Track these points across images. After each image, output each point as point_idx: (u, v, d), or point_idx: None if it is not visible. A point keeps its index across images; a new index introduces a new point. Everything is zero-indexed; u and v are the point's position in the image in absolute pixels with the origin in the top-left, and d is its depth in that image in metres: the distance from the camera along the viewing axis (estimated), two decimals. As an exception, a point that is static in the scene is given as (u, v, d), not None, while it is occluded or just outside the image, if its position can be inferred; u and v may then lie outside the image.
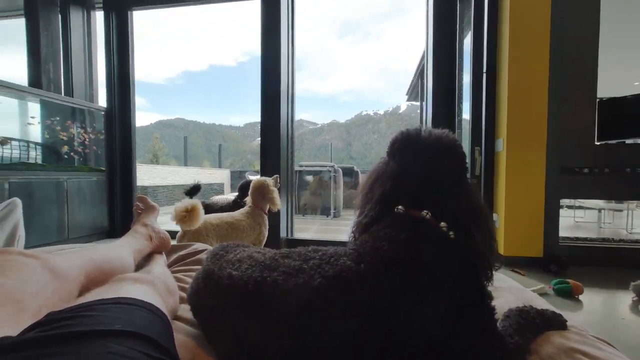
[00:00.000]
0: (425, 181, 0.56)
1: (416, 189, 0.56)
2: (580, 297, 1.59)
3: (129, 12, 2.90)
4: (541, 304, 0.72)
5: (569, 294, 1.59)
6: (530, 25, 2.11)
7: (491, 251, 0.53)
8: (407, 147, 0.59)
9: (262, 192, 1.75)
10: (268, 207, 1.78)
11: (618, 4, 2.31)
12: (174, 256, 0.97)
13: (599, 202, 4.11)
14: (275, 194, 1.77)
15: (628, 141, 2.17)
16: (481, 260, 0.52)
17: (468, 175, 0.60)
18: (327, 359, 0.47)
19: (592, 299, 1.59)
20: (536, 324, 0.58)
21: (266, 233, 1.79)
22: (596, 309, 1.51)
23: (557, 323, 0.61)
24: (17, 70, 2.85)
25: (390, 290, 0.46)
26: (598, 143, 2.13)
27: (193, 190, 2.12)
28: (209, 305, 0.55)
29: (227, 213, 1.71)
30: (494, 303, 0.52)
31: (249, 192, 1.78)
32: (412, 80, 5.80)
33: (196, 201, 1.47)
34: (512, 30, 2.12)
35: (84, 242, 2.57)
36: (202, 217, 1.48)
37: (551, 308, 0.66)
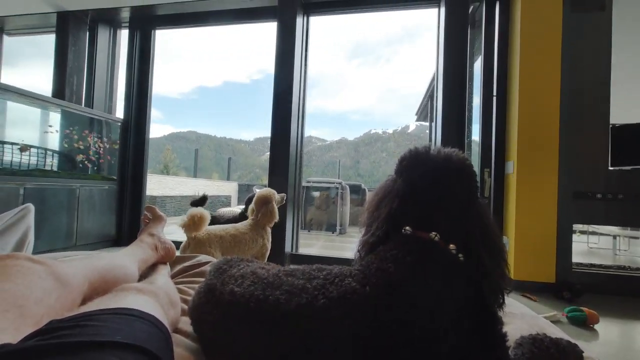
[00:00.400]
0: (433, 201, 0.54)
1: (424, 208, 0.55)
2: (596, 326, 1.51)
3: (152, 32, 3.06)
4: (555, 332, 0.69)
5: (584, 323, 1.51)
6: (541, 51, 2.13)
7: (502, 275, 0.52)
8: (415, 165, 0.58)
9: (265, 203, 1.74)
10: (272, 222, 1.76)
11: (631, 28, 2.31)
12: (178, 267, 0.97)
13: (614, 229, 3.97)
14: (275, 208, 1.77)
15: (643, 168, 2.12)
16: (492, 284, 0.50)
17: (479, 195, 0.59)
18: None
19: (608, 329, 1.51)
20: (551, 353, 0.55)
21: (269, 246, 1.77)
22: (613, 340, 1.43)
23: (573, 354, 0.58)
24: (41, 81, 2.99)
25: (395, 312, 0.45)
26: (611, 168, 2.09)
27: (200, 201, 2.14)
28: (210, 320, 0.54)
29: (231, 225, 1.70)
30: (505, 329, 0.50)
31: (253, 202, 1.77)
32: (422, 101, 5.84)
33: (206, 212, 1.52)
34: (523, 56, 2.14)
35: (90, 250, 2.58)
36: (206, 227, 1.53)
37: (566, 337, 0.63)
